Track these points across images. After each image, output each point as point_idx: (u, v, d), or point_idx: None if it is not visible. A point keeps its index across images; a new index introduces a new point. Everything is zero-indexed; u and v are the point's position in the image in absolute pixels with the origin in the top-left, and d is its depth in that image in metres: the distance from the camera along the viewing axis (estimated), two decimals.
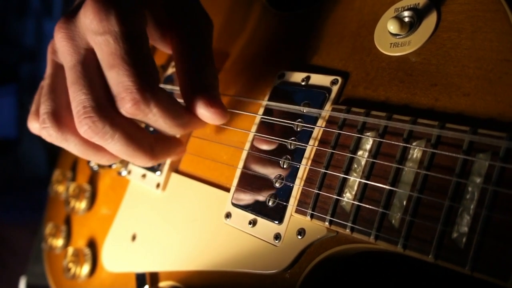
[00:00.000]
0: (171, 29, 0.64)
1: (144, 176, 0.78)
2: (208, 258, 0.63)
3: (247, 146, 0.63)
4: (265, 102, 0.64)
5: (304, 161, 0.56)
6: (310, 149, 0.56)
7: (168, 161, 0.74)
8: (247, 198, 0.61)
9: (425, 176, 0.45)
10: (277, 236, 0.56)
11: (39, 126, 0.61)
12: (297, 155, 0.57)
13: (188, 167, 0.73)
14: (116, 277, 0.79)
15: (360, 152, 0.51)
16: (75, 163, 1.02)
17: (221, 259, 0.62)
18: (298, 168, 0.56)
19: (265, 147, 0.61)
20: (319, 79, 0.59)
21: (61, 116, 0.60)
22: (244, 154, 0.63)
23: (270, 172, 0.59)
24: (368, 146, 0.50)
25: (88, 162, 0.89)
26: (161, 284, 0.70)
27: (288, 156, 0.58)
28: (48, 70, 0.62)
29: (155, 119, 0.57)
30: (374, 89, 0.54)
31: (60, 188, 1.01)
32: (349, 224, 0.49)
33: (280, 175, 0.58)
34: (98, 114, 0.56)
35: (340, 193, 0.51)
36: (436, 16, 0.52)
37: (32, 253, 1.19)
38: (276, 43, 0.70)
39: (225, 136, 0.68)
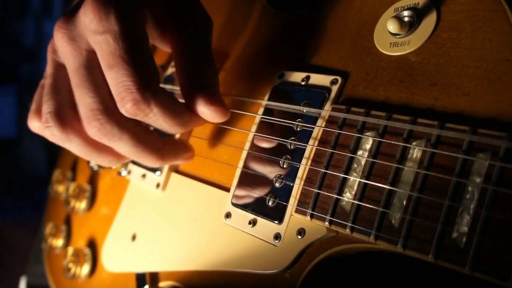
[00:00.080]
0: (171, 28, 0.64)
1: (144, 176, 0.78)
2: (208, 258, 0.63)
3: (247, 146, 0.63)
4: (265, 102, 0.64)
5: (304, 161, 0.56)
6: (310, 149, 0.56)
7: None
8: (247, 198, 0.61)
9: (425, 176, 0.45)
10: (277, 236, 0.56)
11: (42, 125, 0.61)
12: (297, 155, 0.57)
13: (188, 167, 0.73)
14: (116, 277, 0.79)
15: (360, 152, 0.51)
16: (75, 163, 1.02)
17: (221, 259, 0.62)
18: (298, 168, 0.56)
19: (265, 146, 0.61)
20: (319, 79, 0.59)
21: (64, 115, 0.60)
22: (244, 154, 0.63)
23: (270, 172, 0.59)
24: (368, 146, 0.50)
25: (88, 162, 0.89)
26: (161, 284, 0.70)
27: (288, 156, 0.58)
28: (49, 69, 0.62)
29: (156, 118, 0.57)
30: (374, 89, 0.54)
31: (60, 188, 1.01)
32: (349, 224, 0.49)
33: (280, 175, 0.58)
34: (106, 117, 0.57)
35: (340, 193, 0.51)
36: (435, 15, 0.52)
37: (32, 253, 1.19)
38: (276, 43, 0.70)
39: (225, 136, 0.68)
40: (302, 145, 0.57)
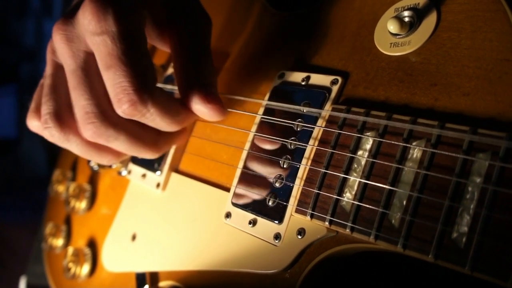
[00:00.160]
0: (170, 28, 0.64)
1: (144, 176, 0.78)
2: (208, 258, 0.63)
3: (247, 146, 0.63)
4: (265, 102, 0.64)
5: (304, 161, 0.56)
6: (310, 149, 0.56)
7: (168, 161, 0.74)
8: (247, 197, 0.61)
9: (425, 176, 0.45)
10: (277, 236, 0.56)
11: (41, 125, 0.62)
12: (297, 155, 0.57)
13: (188, 167, 0.73)
14: (116, 277, 0.79)
15: (360, 152, 0.51)
16: (75, 163, 1.02)
17: (221, 259, 0.62)
18: (298, 168, 0.56)
19: (265, 147, 0.61)
20: (319, 79, 0.59)
21: (63, 116, 0.60)
22: (244, 154, 0.63)
23: (270, 172, 0.59)
24: (368, 146, 0.50)
25: (88, 161, 0.89)
26: (161, 284, 0.70)
27: (288, 156, 0.58)
28: (48, 70, 0.63)
29: (153, 118, 0.58)
30: (374, 89, 0.54)
31: (60, 188, 1.01)
32: (349, 224, 0.49)
33: (280, 175, 0.58)
34: (101, 119, 0.58)
35: (340, 193, 0.51)
36: (436, 16, 0.52)
37: (32, 253, 1.19)
38: (276, 43, 0.70)
39: (225, 136, 0.68)
40: (302, 145, 0.57)
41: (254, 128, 0.63)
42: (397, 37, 0.54)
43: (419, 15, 0.53)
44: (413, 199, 0.45)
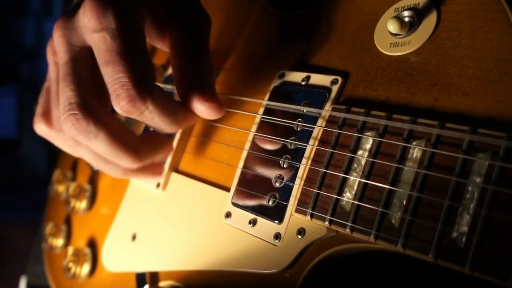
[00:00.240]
0: (170, 27, 0.64)
1: None
2: (208, 258, 0.63)
3: (247, 146, 0.63)
4: (265, 102, 0.64)
5: (304, 160, 0.56)
6: (310, 148, 0.56)
7: (168, 161, 0.74)
8: (247, 197, 0.61)
9: (425, 176, 0.45)
10: (277, 236, 0.56)
11: (56, 130, 0.62)
12: (297, 154, 0.57)
13: (188, 166, 0.73)
14: (116, 276, 0.80)
15: (360, 152, 0.51)
16: (75, 163, 1.02)
17: (221, 259, 0.62)
18: (298, 167, 0.56)
19: (265, 146, 0.61)
20: (319, 79, 0.59)
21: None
22: (244, 154, 0.63)
23: (270, 172, 0.59)
24: (368, 146, 0.50)
25: None
26: (161, 283, 0.70)
27: (288, 156, 0.58)
28: (52, 73, 0.62)
29: (151, 116, 0.57)
30: (374, 89, 0.54)
31: (60, 188, 1.01)
32: (349, 224, 0.49)
33: (280, 174, 0.58)
34: (82, 111, 0.56)
35: (340, 192, 0.51)
36: (436, 16, 0.52)
37: (32, 253, 1.19)
38: (276, 43, 0.70)
39: (225, 136, 0.68)
40: (302, 145, 0.57)
41: (254, 128, 0.63)
42: (397, 37, 0.54)
43: (419, 15, 0.53)
44: (413, 199, 0.45)
